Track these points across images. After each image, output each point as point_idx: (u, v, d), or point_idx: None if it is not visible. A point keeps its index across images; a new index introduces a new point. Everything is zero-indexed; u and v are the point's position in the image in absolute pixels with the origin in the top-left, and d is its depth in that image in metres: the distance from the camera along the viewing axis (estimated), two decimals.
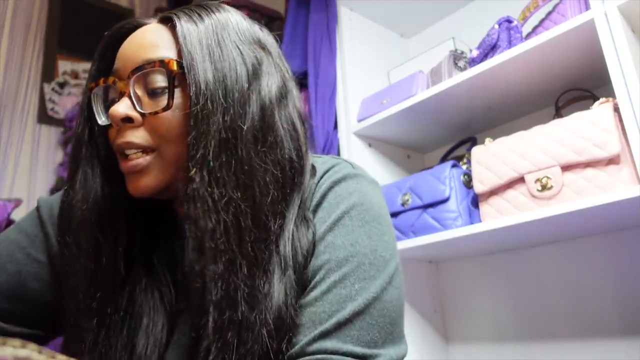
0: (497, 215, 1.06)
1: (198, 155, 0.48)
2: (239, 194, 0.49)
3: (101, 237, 0.55)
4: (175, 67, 0.52)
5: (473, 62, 1.20)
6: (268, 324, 0.47)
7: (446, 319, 1.45)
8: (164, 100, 0.52)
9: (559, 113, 1.20)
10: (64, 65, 2.29)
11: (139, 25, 0.57)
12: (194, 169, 0.48)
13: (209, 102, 0.49)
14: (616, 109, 0.94)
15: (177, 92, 0.52)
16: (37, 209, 0.62)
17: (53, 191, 2.08)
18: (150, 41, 0.54)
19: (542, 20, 1.13)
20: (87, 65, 2.28)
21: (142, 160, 0.52)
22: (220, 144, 0.49)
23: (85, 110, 0.56)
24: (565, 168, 0.97)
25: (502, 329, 1.32)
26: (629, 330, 1.10)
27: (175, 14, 0.55)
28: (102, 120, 0.55)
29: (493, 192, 1.08)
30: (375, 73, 1.56)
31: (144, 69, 0.52)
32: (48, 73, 2.24)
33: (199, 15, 0.55)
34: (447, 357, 1.41)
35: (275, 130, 0.53)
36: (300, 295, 0.51)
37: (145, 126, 0.52)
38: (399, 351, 0.50)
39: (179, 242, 0.59)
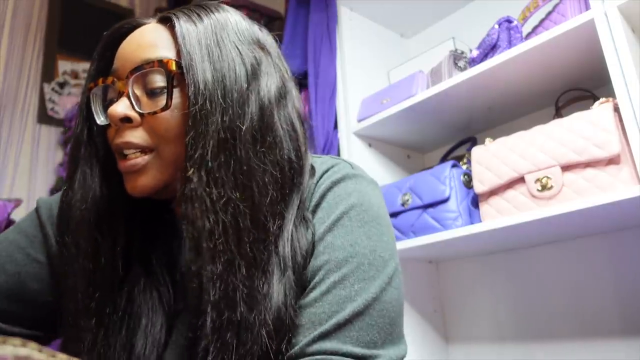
0: (497, 215, 1.06)
1: (196, 156, 0.48)
2: (237, 194, 0.49)
3: (100, 236, 0.55)
4: (174, 67, 0.52)
5: (473, 62, 1.20)
6: (267, 324, 0.47)
7: (446, 319, 1.45)
8: (162, 100, 0.52)
9: (559, 113, 1.20)
10: (64, 65, 2.29)
11: (138, 25, 0.57)
12: (192, 169, 0.48)
13: (207, 102, 0.49)
14: (616, 109, 0.94)
15: (176, 92, 0.52)
16: (37, 209, 0.62)
17: (53, 191, 2.08)
18: (149, 41, 0.54)
19: (542, 20, 1.13)
20: (87, 65, 2.28)
21: (141, 159, 0.52)
22: (219, 144, 0.49)
23: (84, 110, 0.56)
24: (565, 168, 0.97)
25: (502, 329, 1.32)
26: (629, 330, 1.10)
27: (174, 14, 0.55)
28: (100, 120, 0.55)
29: (493, 192, 1.08)
30: (375, 73, 1.56)
31: (142, 69, 0.52)
32: (48, 73, 2.24)
33: (198, 15, 0.55)
34: (447, 357, 1.41)
35: (275, 130, 0.53)
36: (300, 295, 0.51)
37: (144, 126, 0.52)
38: (399, 352, 0.50)
39: (177, 242, 0.59)
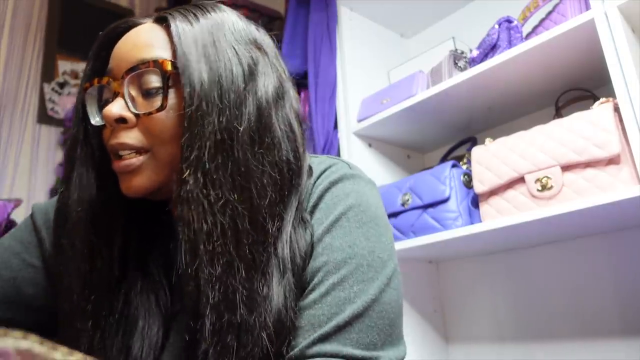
0: (497, 215, 1.06)
1: (192, 157, 0.48)
2: (235, 196, 0.48)
3: (96, 237, 0.54)
4: (169, 67, 0.51)
5: (473, 62, 1.20)
6: (268, 327, 0.47)
7: (446, 319, 1.45)
8: (158, 101, 0.51)
9: (559, 113, 1.20)
10: (64, 65, 2.29)
11: (133, 25, 0.56)
12: (188, 171, 0.48)
13: (203, 103, 0.49)
14: (616, 109, 0.94)
15: (172, 93, 0.52)
16: (31, 215, 0.62)
17: (53, 191, 2.08)
18: (144, 41, 0.53)
19: (542, 20, 1.13)
20: None
21: (135, 160, 0.52)
22: (216, 145, 0.48)
23: (80, 110, 0.56)
24: (565, 168, 0.97)
25: (502, 329, 1.32)
26: (629, 330, 1.10)
27: (170, 14, 0.54)
28: (96, 120, 0.55)
29: (493, 192, 1.08)
30: (375, 73, 1.56)
31: (138, 69, 0.51)
32: (48, 73, 2.24)
33: (195, 15, 0.54)
34: (447, 357, 1.41)
35: (273, 131, 0.53)
36: (300, 297, 0.51)
37: (139, 127, 0.52)
38: (398, 353, 0.50)
39: (174, 244, 0.59)
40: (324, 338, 0.47)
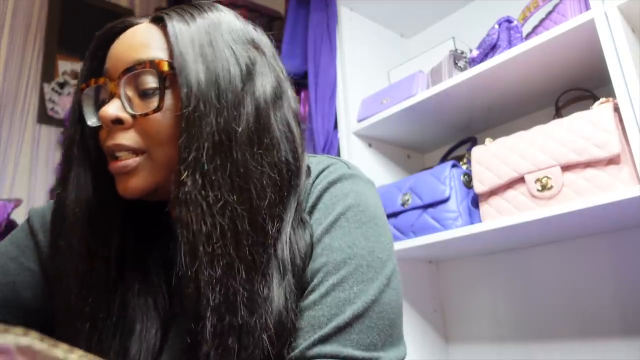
0: (497, 215, 1.06)
1: (190, 158, 0.47)
2: (234, 197, 0.48)
3: (93, 239, 0.54)
4: (166, 67, 0.51)
5: (473, 62, 1.20)
6: (269, 328, 0.47)
7: (446, 319, 1.45)
8: (154, 102, 0.51)
9: (559, 113, 1.20)
10: (64, 65, 2.29)
11: (130, 25, 0.55)
12: (186, 172, 0.47)
13: (201, 103, 0.48)
14: (616, 109, 0.94)
15: (169, 94, 0.51)
16: (28, 219, 0.62)
17: (53, 191, 2.08)
18: (141, 41, 0.52)
19: (542, 20, 1.13)
20: None
21: (132, 161, 0.51)
22: (214, 146, 0.48)
23: (77, 111, 0.55)
24: (565, 168, 0.97)
25: (502, 329, 1.32)
26: (629, 331, 1.10)
27: (167, 14, 0.54)
28: (92, 121, 0.54)
29: (493, 192, 1.08)
30: (375, 73, 1.56)
31: (134, 70, 0.51)
32: (48, 73, 2.24)
33: (191, 14, 0.53)
34: (447, 357, 1.41)
35: (271, 132, 0.52)
36: (300, 298, 0.51)
37: (136, 128, 0.51)
38: (399, 353, 0.50)
39: (173, 245, 0.58)
40: (324, 339, 0.47)
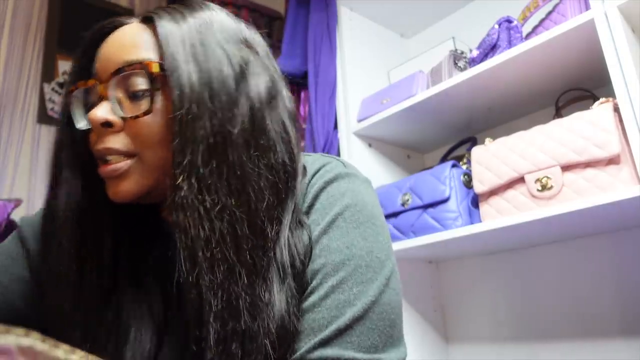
0: (497, 215, 1.06)
1: (185, 162, 0.46)
2: (232, 200, 0.47)
3: (84, 243, 0.53)
4: (156, 68, 0.49)
5: (473, 62, 1.20)
6: (271, 333, 0.46)
7: (446, 319, 1.45)
8: (145, 104, 0.49)
9: (559, 113, 1.20)
10: (64, 65, 2.29)
11: (120, 25, 0.54)
12: (181, 177, 0.46)
13: (194, 105, 0.47)
14: (616, 109, 0.94)
15: (160, 95, 0.50)
16: (18, 229, 0.61)
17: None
18: (130, 42, 0.51)
19: (542, 20, 1.13)
20: None
21: (123, 164, 0.50)
22: (209, 149, 0.47)
23: (67, 113, 0.54)
24: (565, 168, 0.97)
25: (502, 329, 1.32)
26: (630, 331, 1.10)
27: (156, 13, 0.52)
28: (81, 124, 0.53)
29: (493, 192, 1.08)
30: (375, 73, 1.56)
31: (123, 71, 0.50)
32: (48, 73, 2.24)
33: (182, 14, 0.52)
34: (447, 357, 1.41)
35: (267, 132, 0.51)
36: (301, 301, 0.50)
37: (126, 131, 0.50)
38: (400, 354, 0.50)
39: (172, 249, 0.56)
40: (324, 342, 0.47)
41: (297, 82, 1.56)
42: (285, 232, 0.51)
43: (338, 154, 1.42)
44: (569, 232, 1.14)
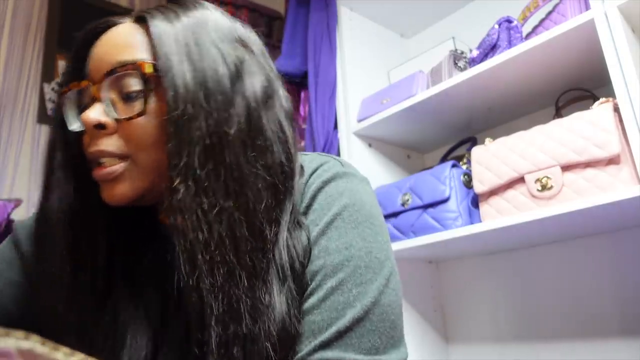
0: (497, 215, 1.06)
1: (181, 165, 0.45)
2: (230, 202, 0.46)
3: (78, 246, 0.52)
4: (150, 69, 0.48)
5: (473, 62, 1.20)
6: (272, 336, 0.46)
7: (446, 319, 1.45)
8: (139, 105, 0.49)
9: (559, 113, 1.20)
10: (64, 65, 2.29)
11: (112, 25, 0.53)
12: (178, 179, 0.45)
13: (189, 106, 0.46)
14: (616, 109, 0.94)
15: (154, 96, 0.49)
16: (13, 232, 0.60)
17: None
18: (123, 42, 0.50)
19: (542, 20, 1.13)
20: None
21: (117, 167, 0.49)
22: (206, 151, 0.46)
23: (60, 115, 0.53)
24: (565, 168, 0.97)
25: (502, 329, 1.32)
26: (630, 331, 1.10)
27: (149, 13, 0.51)
28: (74, 126, 0.52)
29: (493, 192, 1.08)
30: (375, 73, 1.56)
31: (116, 72, 0.49)
32: (48, 73, 2.24)
33: (176, 13, 0.51)
34: (447, 357, 1.41)
35: (264, 133, 0.50)
36: (301, 302, 0.50)
37: (120, 133, 0.49)
38: (400, 355, 0.49)
39: (171, 252, 0.55)
40: (325, 345, 0.46)
41: (297, 82, 1.56)
42: (284, 234, 0.50)
43: (338, 154, 1.42)
44: (569, 232, 1.14)
